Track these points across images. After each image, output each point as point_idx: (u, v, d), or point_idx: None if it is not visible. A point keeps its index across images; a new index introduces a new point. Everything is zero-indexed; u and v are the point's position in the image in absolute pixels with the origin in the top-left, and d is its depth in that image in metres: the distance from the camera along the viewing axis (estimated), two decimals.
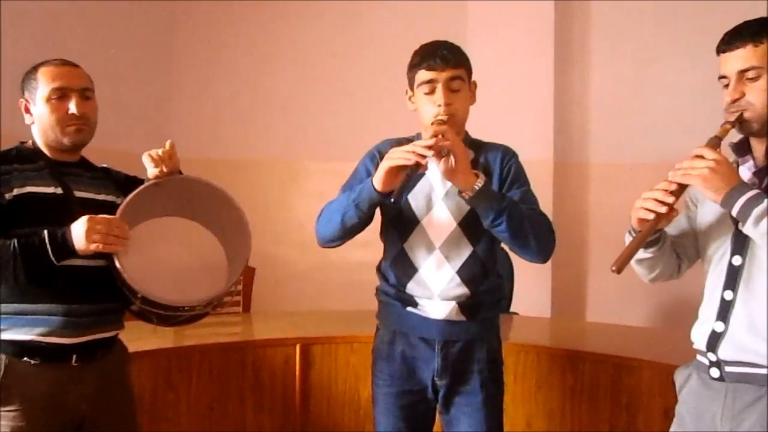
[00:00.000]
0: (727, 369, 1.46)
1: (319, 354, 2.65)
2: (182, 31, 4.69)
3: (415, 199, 1.84)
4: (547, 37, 4.11)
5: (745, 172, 1.51)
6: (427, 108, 1.80)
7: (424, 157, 1.64)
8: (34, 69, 1.77)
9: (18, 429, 1.64)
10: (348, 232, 1.80)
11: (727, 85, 1.48)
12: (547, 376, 2.45)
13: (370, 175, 1.77)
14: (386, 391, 1.89)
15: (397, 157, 1.66)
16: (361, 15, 4.53)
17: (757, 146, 1.51)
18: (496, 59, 4.04)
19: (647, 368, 2.28)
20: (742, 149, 1.53)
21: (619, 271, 1.40)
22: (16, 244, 1.61)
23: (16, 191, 1.67)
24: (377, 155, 1.86)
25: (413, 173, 1.69)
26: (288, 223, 4.37)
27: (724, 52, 1.48)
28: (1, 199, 1.66)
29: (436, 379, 1.85)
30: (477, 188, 1.68)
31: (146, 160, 1.77)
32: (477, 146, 1.89)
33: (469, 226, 1.81)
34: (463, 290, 1.82)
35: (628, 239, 1.51)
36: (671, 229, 1.60)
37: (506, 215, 1.70)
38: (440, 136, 1.66)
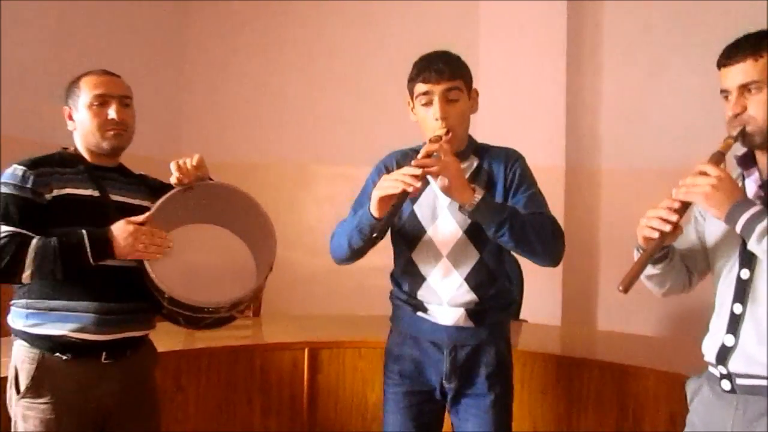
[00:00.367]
0: (738, 381, 1.46)
1: (327, 358, 2.66)
2: (194, 34, 4.72)
3: (421, 209, 1.86)
4: (559, 43, 4.08)
5: (751, 184, 1.51)
6: (427, 120, 1.82)
7: (412, 183, 1.65)
8: (78, 79, 1.87)
9: (47, 422, 1.70)
10: (357, 253, 1.84)
11: (728, 98, 1.48)
12: (553, 383, 2.45)
13: None
14: (395, 390, 1.91)
15: (386, 186, 1.69)
16: (373, 18, 4.53)
17: (762, 159, 1.50)
18: (508, 64, 4.04)
19: (653, 376, 2.27)
20: (747, 162, 1.52)
21: (625, 291, 1.40)
22: (56, 242, 1.67)
23: (55, 192, 1.75)
24: (384, 170, 1.89)
25: (404, 200, 1.71)
26: (298, 227, 4.36)
27: (724, 66, 1.48)
28: (42, 200, 1.73)
29: (444, 381, 1.87)
30: (475, 203, 1.69)
31: (173, 167, 1.83)
32: (481, 152, 1.90)
33: (475, 233, 1.82)
34: (471, 297, 1.84)
35: (636, 255, 1.51)
36: (680, 243, 1.59)
37: (507, 226, 1.70)
38: (432, 156, 1.68)
